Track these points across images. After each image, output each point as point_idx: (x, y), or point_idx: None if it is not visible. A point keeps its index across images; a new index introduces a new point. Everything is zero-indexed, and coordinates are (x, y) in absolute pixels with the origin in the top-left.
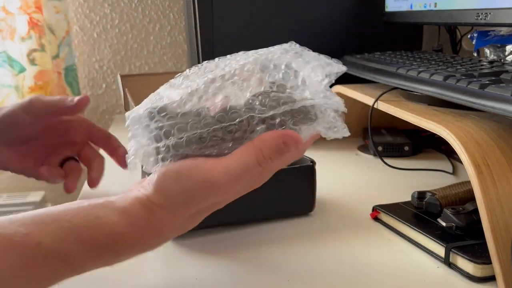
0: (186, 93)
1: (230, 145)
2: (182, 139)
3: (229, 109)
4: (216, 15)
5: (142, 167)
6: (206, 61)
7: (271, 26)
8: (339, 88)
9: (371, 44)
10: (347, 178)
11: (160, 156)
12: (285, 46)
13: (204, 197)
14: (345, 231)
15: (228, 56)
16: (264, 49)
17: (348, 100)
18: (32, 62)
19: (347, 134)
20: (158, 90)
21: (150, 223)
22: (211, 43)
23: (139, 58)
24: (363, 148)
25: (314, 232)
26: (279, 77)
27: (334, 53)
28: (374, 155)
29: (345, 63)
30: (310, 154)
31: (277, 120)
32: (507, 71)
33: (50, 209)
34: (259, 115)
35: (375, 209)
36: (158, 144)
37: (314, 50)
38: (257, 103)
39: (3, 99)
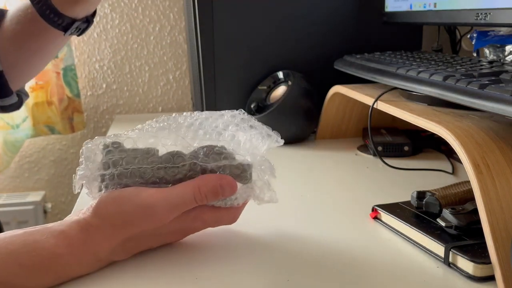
0: (141, 133)
1: (170, 186)
2: (127, 170)
3: (175, 153)
4: (216, 15)
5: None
6: (172, 115)
7: (271, 26)
8: (339, 88)
9: (371, 44)
10: (347, 178)
11: (104, 184)
12: (235, 112)
13: (140, 221)
14: (345, 231)
15: (185, 113)
16: (217, 111)
17: (348, 100)
18: None
19: (277, 201)
20: (124, 132)
21: (85, 243)
22: (211, 43)
23: (139, 58)
24: (363, 148)
25: (314, 232)
26: (225, 137)
27: (334, 53)
28: (374, 155)
29: (345, 63)
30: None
31: (216, 172)
32: (506, 71)
33: None
34: (201, 164)
35: (375, 209)
36: (105, 172)
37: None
38: (201, 153)
39: None
